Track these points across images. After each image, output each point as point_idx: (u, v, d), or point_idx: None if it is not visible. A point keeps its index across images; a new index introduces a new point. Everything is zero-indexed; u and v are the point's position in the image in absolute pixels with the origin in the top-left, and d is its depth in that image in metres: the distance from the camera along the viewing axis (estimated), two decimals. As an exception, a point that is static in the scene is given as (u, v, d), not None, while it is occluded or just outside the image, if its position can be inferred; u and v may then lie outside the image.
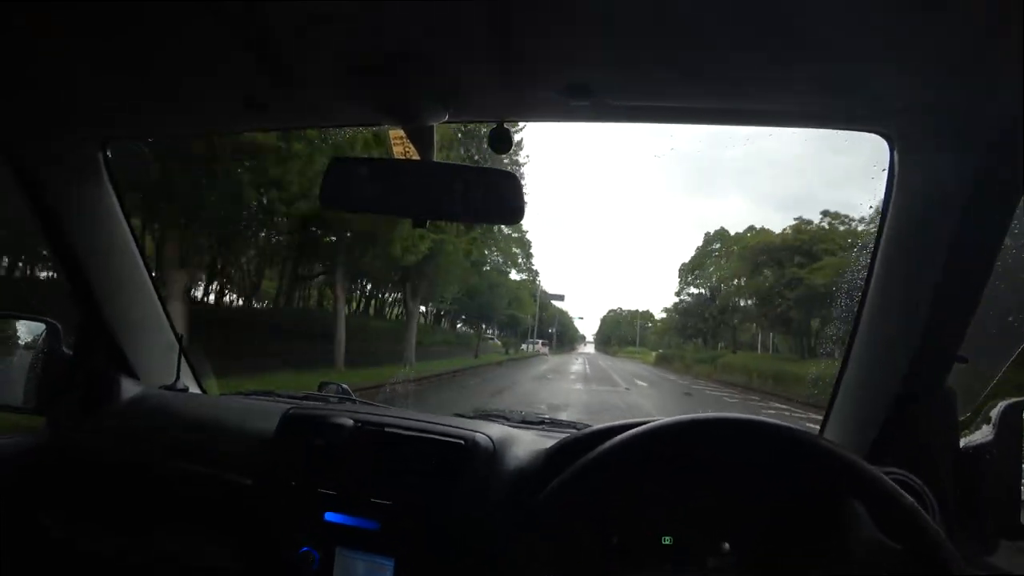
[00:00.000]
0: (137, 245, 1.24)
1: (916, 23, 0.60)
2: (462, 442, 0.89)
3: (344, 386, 1.37)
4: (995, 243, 0.78)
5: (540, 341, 41.02)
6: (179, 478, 1.04)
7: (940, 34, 0.61)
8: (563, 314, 60.32)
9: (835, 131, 0.87)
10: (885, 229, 0.87)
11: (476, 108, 0.87)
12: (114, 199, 1.17)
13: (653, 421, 0.70)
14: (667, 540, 0.83)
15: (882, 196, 0.87)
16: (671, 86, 0.78)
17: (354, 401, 1.26)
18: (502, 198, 0.83)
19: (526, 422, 1.17)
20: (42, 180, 1.08)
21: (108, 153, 1.15)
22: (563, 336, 63.54)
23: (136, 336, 1.28)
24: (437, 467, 0.88)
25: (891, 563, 0.73)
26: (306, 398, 1.29)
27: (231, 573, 0.97)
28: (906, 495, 0.58)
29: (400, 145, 0.93)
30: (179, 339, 1.33)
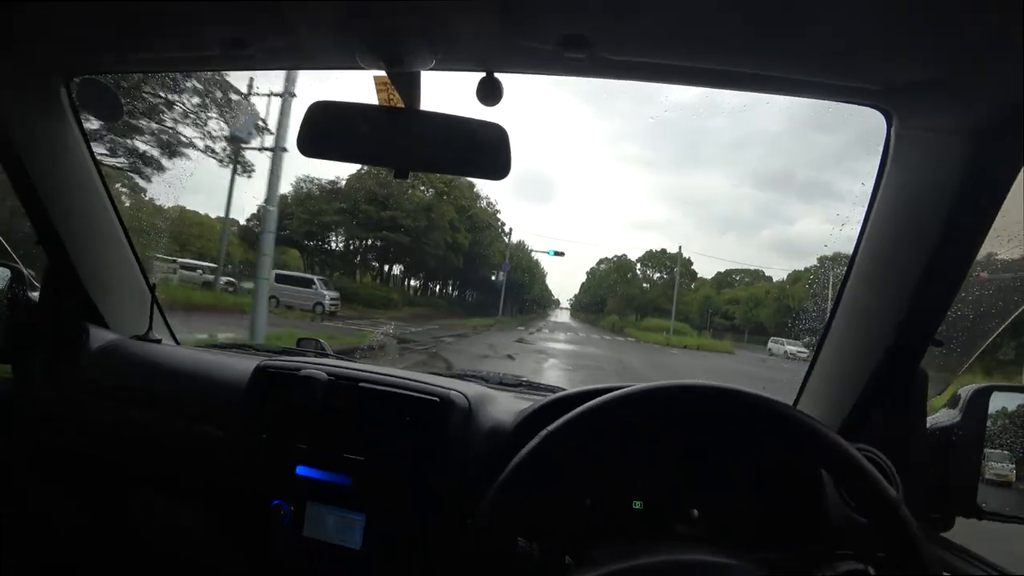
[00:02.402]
0: (107, 189, 1.18)
1: None
2: (437, 400, 0.88)
3: (322, 342, 1.35)
4: (983, 228, 0.77)
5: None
6: (150, 429, 1.02)
7: (947, 10, 0.59)
8: (523, 252, 32.93)
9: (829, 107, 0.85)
10: (875, 207, 0.86)
11: (465, 56, 0.82)
12: (80, 139, 1.11)
13: (625, 388, 0.69)
14: (638, 505, 0.84)
15: (873, 174, 0.86)
16: (671, 43, 0.74)
17: (329, 356, 1.25)
18: (489, 151, 0.80)
19: (504, 384, 1.17)
20: None
21: (72, 89, 1.08)
22: (519, 292, 35.51)
23: (107, 284, 1.24)
24: (411, 424, 0.87)
25: (855, 532, 0.75)
26: (282, 352, 1.27)
27: (204, 525, 0.97)
28: (871, 467, 0.58)
29: (384, 91, 0.88)
30: (151, 289, 1.29)
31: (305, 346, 1.34)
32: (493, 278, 28.91)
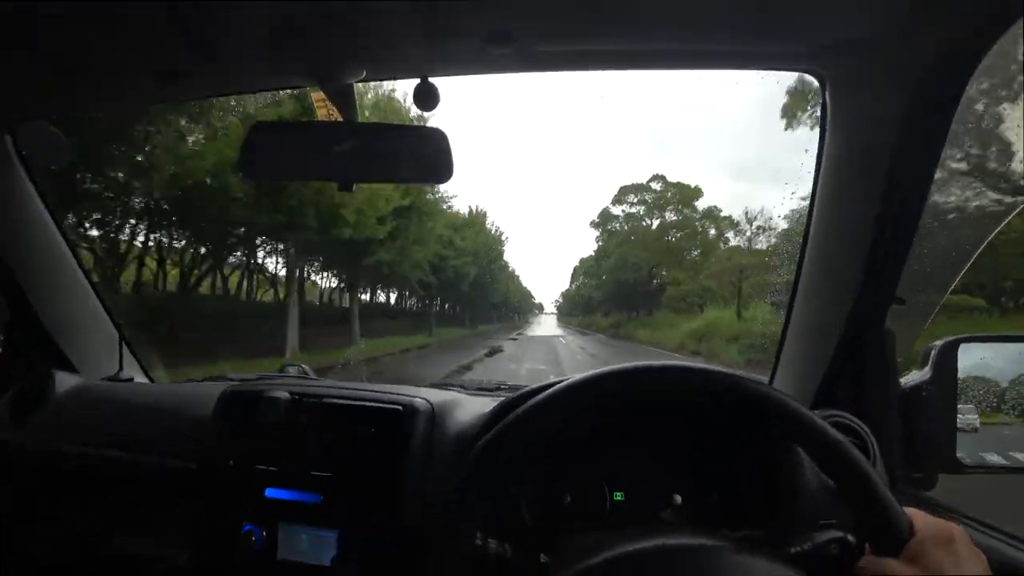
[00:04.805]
0: (62, 233, 1.17)
1: None
2: (400, 408, 0.87)
3: (304, 367, 1.34)
4: (925, 181, 0.77)
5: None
6: (123, 469, 1.00)
7: None
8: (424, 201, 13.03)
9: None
10: (821, 170, 0.86)
11: (396, 63, 0.82)
12: (29, 186, 1.10)
13: (590, 372, 0.68)
14: (619, 496, 0.83)
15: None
16: (594, 28, 0.74)
17: (309, 378, 1.23)
18: (430, 156, 0.80)
19: (481, 389, 1.16)
20: None
21: (16, 138, 1.07)
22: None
23: (71, 328, 1.23)
24: (375, 435, 0.86)
25: (833, 503, 0.75)
26: (259, 379, 1.25)
27: (179, 559, 0.95)
28: (842, 438, 0.57)
29: (323, 108, 0.88)
30: (119, 328, 1.28)
31: (287, 372, 1.33)
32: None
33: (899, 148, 0.76)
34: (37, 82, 0.93)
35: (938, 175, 0.76)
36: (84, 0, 0.69)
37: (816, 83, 0.81)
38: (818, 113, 0.85)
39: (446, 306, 28.12)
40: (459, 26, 0.74)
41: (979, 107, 0.71)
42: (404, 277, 15.31)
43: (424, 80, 0.83)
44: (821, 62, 0.79)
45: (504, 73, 0.84)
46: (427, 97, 0.83)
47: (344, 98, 0.83)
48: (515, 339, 19.84)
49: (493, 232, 26.73)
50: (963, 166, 0.78)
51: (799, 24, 0.72)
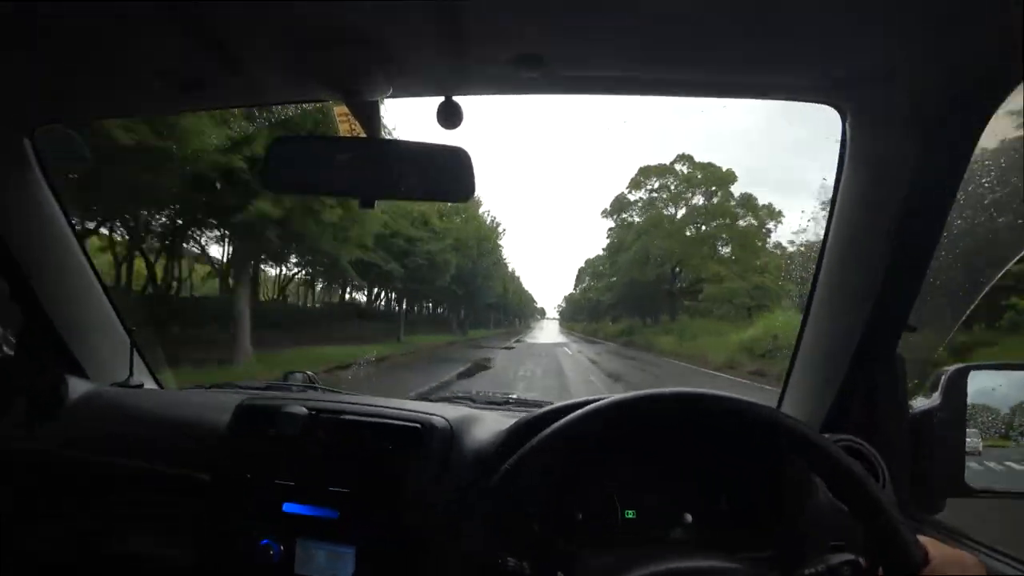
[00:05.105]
0: (77, 237, 1.18)
1: None
2: (418, 426, 0.88)
3: (310, 374, 1.34)
4: (941, 214, 0.79)
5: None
6: (134, 477, 1.00)
7: (893, 8, 0.61)
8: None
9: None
10: (838, 200, 0.87)
11: (422, 82, 0.83)
12: (47, 190, 1.10)
13: (607, 398, 0.69)
14: (630, 514, 0.84)
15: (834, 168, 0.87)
16: (623, 57, 0.75)
17: (316, 389, 1.24)
18: (452, 174, 0.81)
19: (491, 403, 1.16)
20: None
21: (36, 141, 1.07)
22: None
23: (83, 333, 1.23)
24: (393, 452, 0.87)
25: (843, 526, 0.76)
26: (268, 388, 1.26)
27: (193, 570, 0.95)
28: (852, 461, 0.58)
29: (346, 123, 0.89)
30: (131, 334, 1.28)
31: (291, 379, 1.33)
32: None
33: (917, 181, 0.77)
34: (57, 86, 0.93)
35: (955, 206, 0.77)
36: (106, 2, 0.69)
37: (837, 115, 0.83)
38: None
39: (439, 309, 25.35)
40: (488, 48, 0.74)
41: (999, 140, 0.72)
42: (322, 255, 9.48)
43: (448, 99, 0.83)
44: (841, 95, 0.80)
45: (528, 95, 0.85)
46: (451, 116, 0.84)
47: (368, 114, 0.84)
48: (511, 348, 17.50)
49: (488, 223, 23.34)
50: (981, 199, 0.79)
51: (820, 58, 0.73)
